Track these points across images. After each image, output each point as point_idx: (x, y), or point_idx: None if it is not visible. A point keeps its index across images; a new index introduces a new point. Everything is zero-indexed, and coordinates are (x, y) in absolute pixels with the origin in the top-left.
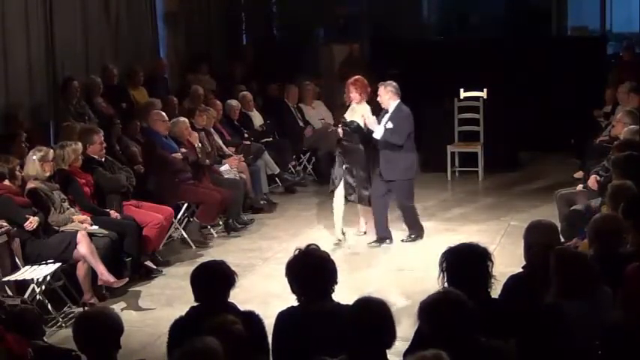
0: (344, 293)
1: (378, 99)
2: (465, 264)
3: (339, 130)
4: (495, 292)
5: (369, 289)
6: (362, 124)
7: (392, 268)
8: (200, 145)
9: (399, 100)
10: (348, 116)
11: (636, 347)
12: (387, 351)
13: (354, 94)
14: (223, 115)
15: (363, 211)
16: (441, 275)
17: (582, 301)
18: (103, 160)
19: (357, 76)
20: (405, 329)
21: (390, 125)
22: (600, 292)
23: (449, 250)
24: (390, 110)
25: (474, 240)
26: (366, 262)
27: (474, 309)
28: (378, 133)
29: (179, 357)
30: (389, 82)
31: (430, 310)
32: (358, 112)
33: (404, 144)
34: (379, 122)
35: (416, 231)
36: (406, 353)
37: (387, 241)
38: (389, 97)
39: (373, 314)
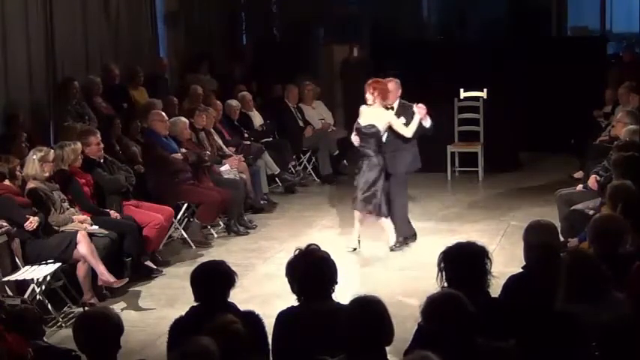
0: (344, 293)
1: (389, 95)
2: (463, 263)
3: (354, 137)
4: (494, 291)
5: (369, 288)
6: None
7: (392, 268)
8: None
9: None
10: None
11: (636, 347)
12: (387, 351)
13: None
14: (223, 115)
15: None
16: (439, 274)
17: (589, 305)
18: (102, 160)
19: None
20: (406, 329)
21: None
22: (610, 296)
23: (447, 249)
24: (395, 106)
25: (473, 240)
26: (367, 262)
27: (474, 311)
28: (427, 123)
29: (175, 358)
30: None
31: (431, 309)
32: (380, 115)
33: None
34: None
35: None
36: (406, 353)
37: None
38: (397, 93)
39: (369, 313)
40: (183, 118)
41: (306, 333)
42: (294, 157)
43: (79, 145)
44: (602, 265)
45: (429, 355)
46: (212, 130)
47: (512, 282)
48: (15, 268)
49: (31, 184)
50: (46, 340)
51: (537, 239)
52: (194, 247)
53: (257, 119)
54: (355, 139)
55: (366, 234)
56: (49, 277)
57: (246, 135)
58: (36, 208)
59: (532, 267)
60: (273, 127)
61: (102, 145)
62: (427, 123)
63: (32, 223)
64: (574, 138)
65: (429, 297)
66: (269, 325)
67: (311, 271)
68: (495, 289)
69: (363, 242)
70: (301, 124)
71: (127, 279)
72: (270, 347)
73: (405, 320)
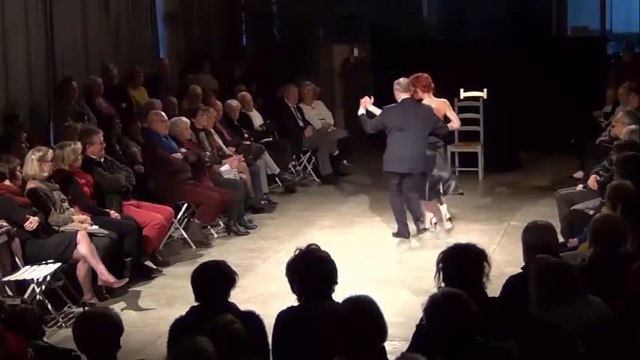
0: (344, 293)
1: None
2: (461, 264)
3: None
4: (494, 291)
5: (369, 288)
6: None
7: (393, 268)
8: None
9: (403, 96)
10: None
11: (629, 344)
12: (388, 352)
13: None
14: (223, 115)
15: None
16: (437, 274)
17: (563, 311)
18: (102, 160)
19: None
20: (406, 329)
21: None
22: (585, 301)
23: (446, 249)
24: None
25: (473, 240)
26: (367, 262)
27: (476, 310)
28: (359, 111)
29: (171, 358)
30: (398, 79)
31: (433, 308)
32: None
33: (389, 137)
34: None
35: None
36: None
37: (403, 236)
38: (396, 94)
39: (360, 313)
40: (185, 118)
41: (306, 333)
42: (294, 157)
43: (79, 145)
44: (573, 268)
45: (418, 358)
46: (212, 130)
47: (512, 282)
48: (15, 268)
49: (31, 184)
50: (46, 340)
51: (535, 239)
52: (194, 247)
53: (257, 119)
54: None
55: (366, 235)
56: (49, 277)
57: (246, 135)
58: (36, 208)
59: (531, 267)
60: (273, 127)
61: (104, 145)
62: (359, 111)
63: (32, 223)
64: (574, 138)
65: (431, 296)
66: (269, 325)
67: (311, 271)
68: (495, 288)
69: (363, 243)
70: (301, 124)
71: (127, 279)
72: (270, 347)
73: (407, 320)
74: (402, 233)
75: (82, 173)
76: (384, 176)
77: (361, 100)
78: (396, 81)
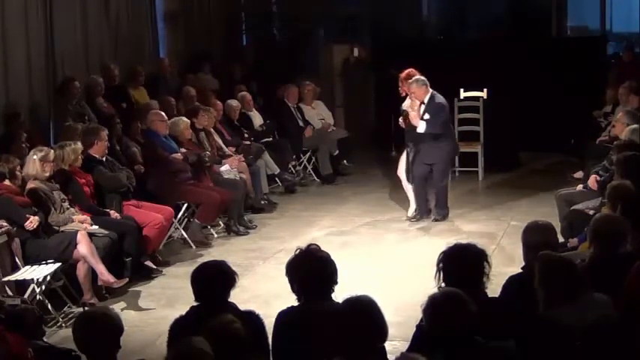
0: (344, 293)
1: (413, 95)
2: (462, 264)
3: (400, 120)
4: (494, 291)
5: (369, 288)
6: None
7: (393, 268)
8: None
9: (431, 90)
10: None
11: (629, 344)
12: (388, 352)
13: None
14: (223, 115)
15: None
16: (438, 274)
17: (570, 309)
18: (104, 159)
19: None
20: (406, 329)
21: (427, 117)
22: (589, 299)
23: (447, 249)
24: (425, 101)
25: (473, 240)
26: (367, 262)
27: (475, 310)
28: (421, 128)
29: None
30: (418, 77)
31: (433, 308)
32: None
33: (445, 128)
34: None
35: (445, 210)
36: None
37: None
38: (423, 89)
39: (359, 313)
40: (185, 118)
41: (306, 333)
42: (294, 157)
43: (79, 145)
44: (576, 266)
45: (418, 358)
46: (212, 130)
47: (512, 282)
48: (15, 268)
49: (31, 184)
50: (46, 340)
51: (535, 239)
52: (194, 247)
53: (257, 119)
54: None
55: (366, 235)
56: (49, 277)
57: (246, 135)
58: (36, 208)
59: (531, 268)
60: (273, 127)
61: (108, 144)
62: (420, 128)
63: (32, 222)
64: (574, 138)
65: (430, 296)
66: (269, 325)
67: (311, 271)
68: (495, 288)
69: (363, 243)
70: (301, 124)
71: (127, 279)
72: (270, 347)
73: (407, 320)
74: (423, 212)
75: (82, 173)
76: (383, 176)
77: (412, 118)
78: (417, 78)
